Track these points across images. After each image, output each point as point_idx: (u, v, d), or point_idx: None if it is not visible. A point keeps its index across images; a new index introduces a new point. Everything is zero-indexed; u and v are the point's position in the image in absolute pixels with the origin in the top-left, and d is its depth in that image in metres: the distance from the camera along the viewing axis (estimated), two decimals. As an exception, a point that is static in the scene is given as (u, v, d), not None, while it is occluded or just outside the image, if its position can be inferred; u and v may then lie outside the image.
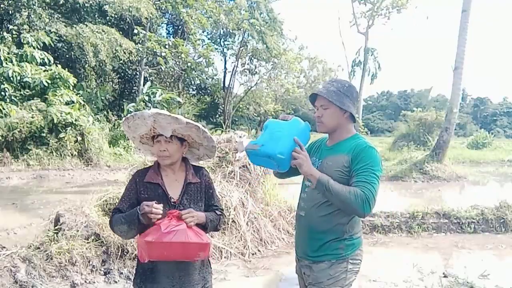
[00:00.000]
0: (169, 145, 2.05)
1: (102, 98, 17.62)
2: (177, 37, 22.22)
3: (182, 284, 2.05)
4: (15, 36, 15.12)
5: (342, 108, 2.02)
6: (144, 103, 17.88)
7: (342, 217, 2.00)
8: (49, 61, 14.95)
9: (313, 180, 1.90)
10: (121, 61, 18.90)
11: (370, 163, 1.91)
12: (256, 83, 27.05)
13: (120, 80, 21.52)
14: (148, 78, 20.56)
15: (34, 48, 14.75)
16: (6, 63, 13.77)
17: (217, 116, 26.02)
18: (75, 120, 12.93)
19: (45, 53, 14.99)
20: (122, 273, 4.04)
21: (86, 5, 17.49)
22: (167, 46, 19.29)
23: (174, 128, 2.04)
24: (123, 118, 2.11)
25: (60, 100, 13.42)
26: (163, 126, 2.04)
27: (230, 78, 26.35)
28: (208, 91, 28.29)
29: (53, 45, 15.94)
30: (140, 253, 1.99)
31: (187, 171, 2.14)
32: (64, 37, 16.44)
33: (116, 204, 2.11)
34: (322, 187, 1.88)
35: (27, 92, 13.84)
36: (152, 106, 17.87)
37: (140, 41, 18.56)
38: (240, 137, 5.44)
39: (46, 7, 16.93)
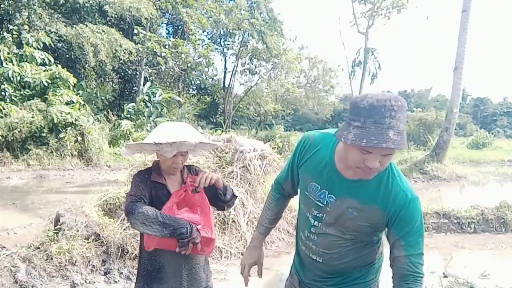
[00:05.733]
0: (184, 158, 2.13)
1: (102, 98, 17.62)
2: (177, 37, 22.21)
3: (189, 282, 2.08)
4: (15, 36, 15.12)
5: None
6: (144, 103, 17.88)
7: (373, 255, 1.65)
8: (49, 61, 14.94)
9: None
10: (121, 61, 18.90)
11: (417, 224, 1.46)
12: (256, 83, 27.04)
13: (120, 80, 21.52)
14: (148, 78, 20.56)
15: (34, 48, 14.75)
16: (6, 63, 13.77)
17: (217, 116, 26.00)
18: (75, 120, 12.92)
19: (45, 53, 14.98)
20: (122, 273, 4.04)
21: (86, 5, 17.50)
22: (167, 46, 19.29)
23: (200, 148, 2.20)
24: (152, 140, 1.99)
25: (60, 100, 13.40)
26: (196, 151, 2.20)
27: (230, 78, 26.35)
28: (208, 91, 28.28)
29: (53, 45, 15.95)
30: (146, 242, 2.00)
31: (182, 171, 2.20)
32: (64, 37, 16.45)
33: (131, 193, 2.01)
34: None
35: (27, 92, 13.83)
36: (152, 106, 17.89)
37: (140, 41, 18.56)
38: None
39: (46, 7, 16.94)
